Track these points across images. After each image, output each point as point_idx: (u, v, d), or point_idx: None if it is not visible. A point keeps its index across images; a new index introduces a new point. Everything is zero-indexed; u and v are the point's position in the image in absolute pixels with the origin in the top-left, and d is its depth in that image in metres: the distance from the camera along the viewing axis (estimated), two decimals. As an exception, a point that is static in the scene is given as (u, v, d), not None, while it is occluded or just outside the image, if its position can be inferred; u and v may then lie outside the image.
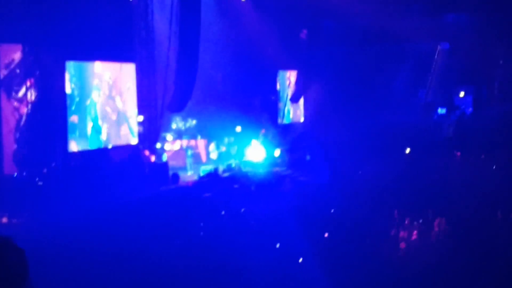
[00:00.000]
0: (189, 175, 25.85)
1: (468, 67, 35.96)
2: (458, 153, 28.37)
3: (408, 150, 29.79)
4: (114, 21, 23.06)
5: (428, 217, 19.45)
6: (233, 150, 29.58)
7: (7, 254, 3.44)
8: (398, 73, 36.03)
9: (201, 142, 29.23)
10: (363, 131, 30.71)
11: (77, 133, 22.34)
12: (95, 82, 23.25)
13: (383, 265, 16.37)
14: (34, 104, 20.28)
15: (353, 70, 34.57)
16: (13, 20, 19.40)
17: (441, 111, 36.63)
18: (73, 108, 22.16)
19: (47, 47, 20.41)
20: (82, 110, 22.60)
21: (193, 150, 27.96)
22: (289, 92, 34.84)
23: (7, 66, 20.30)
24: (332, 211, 20.59)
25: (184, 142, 28.44)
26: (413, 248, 17.64)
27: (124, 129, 24.61)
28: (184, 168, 26.61)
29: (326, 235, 18.82)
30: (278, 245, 18.38)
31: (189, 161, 27.02)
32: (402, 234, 18.49)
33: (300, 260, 17.03)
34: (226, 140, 29.84)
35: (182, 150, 27.81)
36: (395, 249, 17.73)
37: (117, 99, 24.34)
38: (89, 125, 22.89)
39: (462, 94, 38.32)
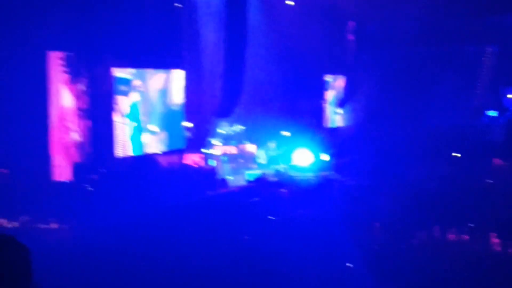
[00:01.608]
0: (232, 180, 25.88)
1: (518, 68, 35.56)
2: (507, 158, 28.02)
3: (456, 154, 29.52)
4: (161, 27, 23.24)
5: (477, 224, 19.28)
6: (281, 154, 29.57)
7: (9, 252, 3.50)
8: (445, 76, 35.66)
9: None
10: (410, 134, 30.50)
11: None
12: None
13: (432, 270, 16.26)
14: (82, 111, 20.49)
15: (400, 73, 34.30)
16: (60, 28, 19.61)
17: (490, 113, 36.19)
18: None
19: (95, 54, 20.61)
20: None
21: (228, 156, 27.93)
22: (336, 96, 34.73)
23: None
24: (381, 215, 20.51)
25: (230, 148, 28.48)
26: (461, 255, 17.49)
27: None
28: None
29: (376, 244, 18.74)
30: (325, 250, 18.35)
31: (225, 166, 27.03)
32: (450, 239, 18.36)
33: (348, 264, 16.98)
34: (272, 144, 29.83)
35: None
36: (443, 254, 17.60)
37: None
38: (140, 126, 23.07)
39: (511, 95, 37.80)
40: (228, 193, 23.64)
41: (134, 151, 22.75)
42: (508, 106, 36.98)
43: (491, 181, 24.29)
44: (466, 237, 18.26)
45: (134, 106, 22.88)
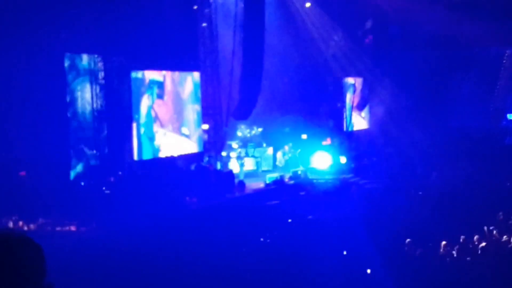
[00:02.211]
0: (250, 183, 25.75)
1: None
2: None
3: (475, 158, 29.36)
4: (179, 31, 23.24)
5: (497, 226, 19.16)
6: (299, 157, 29.48)
7: (22, 250, 3.42)
8: (465, 79, 35.53)
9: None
10: (430, 137, 30.39)
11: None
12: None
13: (452, 270, 16.13)
14: (101, 114, 20.49)
15: (419, 76, 34.20)
16: (80, 31, 19.64)
17: (510, 116, 36.06)
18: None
19: (113, 57, 20.63)
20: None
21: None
22: (355, 99, 34.61)
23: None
24: (401, 218, 20.40)
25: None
26: (481, 256, 17.34)
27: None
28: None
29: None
30: (345, 252, 18.24)
31: (243, 169, 26.94)
32: (470, 242, 18.20)
33: (368, 271, 16.87)
34: (290, 147, 29.74)
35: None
36: (464, 255, 17.45)
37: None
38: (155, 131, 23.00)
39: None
40: (246, 196, 23.55)
41: (151, 154, 22.71)
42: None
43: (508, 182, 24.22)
44: (488, 239, 18.10)
45: (151, 109, 22.87)
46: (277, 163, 29.20)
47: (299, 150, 29.54)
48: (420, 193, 23.47)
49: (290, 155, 29.37)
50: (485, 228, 19.01)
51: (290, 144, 29.77)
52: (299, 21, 30.16)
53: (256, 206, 22.14)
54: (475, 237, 17.84)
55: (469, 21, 31.65)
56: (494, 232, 18.65)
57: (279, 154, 29.31)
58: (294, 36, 29.81)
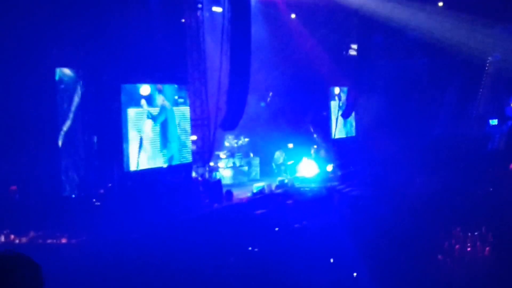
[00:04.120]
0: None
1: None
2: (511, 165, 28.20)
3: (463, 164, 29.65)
4: (167, 44, 23.43)
5: (480, 231, 19.47)
6: (286, 165, 29.76)
7: (20, 269, 3.49)
8: (448, 86, 35.86)
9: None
10: (414, 144, 30.68)
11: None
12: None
13: (436, 278, 16.46)
14: (90, 126, 20.67)
15: (403, 83, 34.53)
16: (68, 44, 19.82)
17: (493, 122, 36.35)
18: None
19: (103, 71, 20.80)
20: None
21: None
22: (341, 107, 34.88)
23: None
24: (385, 224, 20.69)
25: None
26: (466, 262, 17.67)
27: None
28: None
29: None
30: (332, 260, 18.55)
31: (231, 178, 27.29)
32: (454, 247, 18.53)
33: (355, 274, 17.18)
34: (278, 156, 30.02)
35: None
36: (448, 262, 17.78)
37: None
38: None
39: (513, 104, 37.96)
40: (234, 205, 23.81)
41: (141, 165, 22.89)
42: (510, 115, 37.11)
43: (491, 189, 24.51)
44: (470, 244, 18.44)
45: (142, 121, 23.05)
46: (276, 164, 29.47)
47: (289, 159, 29.83)
48: (404, 199, 23.75)
49: (277, 164, 29.69)
50: (468, 233, 19.36)
51: (280, 154, 30.10)
52: (285, 31, 30.48)
53: (244, 215, 22.41)
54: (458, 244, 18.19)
55: (452, 29, 32.01)
56: (477, 237, 19.00)
57: (276, 159, 29.57)
58: (280, 46, 30.12)
